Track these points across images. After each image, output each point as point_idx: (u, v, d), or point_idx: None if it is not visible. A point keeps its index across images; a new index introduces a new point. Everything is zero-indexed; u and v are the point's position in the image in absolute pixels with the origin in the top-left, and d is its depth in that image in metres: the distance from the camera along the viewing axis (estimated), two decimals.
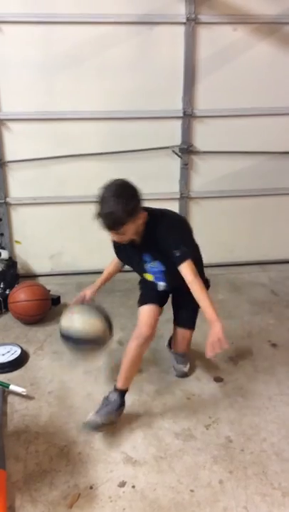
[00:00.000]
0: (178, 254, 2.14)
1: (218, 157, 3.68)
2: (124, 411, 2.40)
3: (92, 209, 3.75)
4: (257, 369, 2.78)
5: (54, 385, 2.65)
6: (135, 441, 2.28)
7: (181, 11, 3.25)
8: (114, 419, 2.30)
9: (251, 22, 3.34)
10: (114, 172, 3.62)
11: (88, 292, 2.63)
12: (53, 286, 3.57)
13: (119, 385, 2.36)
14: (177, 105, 3.49)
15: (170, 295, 2.56)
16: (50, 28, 3.24)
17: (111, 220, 2.08)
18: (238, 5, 3.29)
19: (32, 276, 3.85)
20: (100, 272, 3.81)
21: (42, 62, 3.32)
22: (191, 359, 2.78)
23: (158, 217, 2.24)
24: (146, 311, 2.38)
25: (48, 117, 3.44)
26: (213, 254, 3.97)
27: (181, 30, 3.29)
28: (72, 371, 2.76)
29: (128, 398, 2.46)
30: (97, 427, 2.25)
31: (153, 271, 2.32)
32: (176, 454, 2.22)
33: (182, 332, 2.61)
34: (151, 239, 2.20)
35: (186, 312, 2.55)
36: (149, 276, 2.36)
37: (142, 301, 2.44)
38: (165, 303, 2.55)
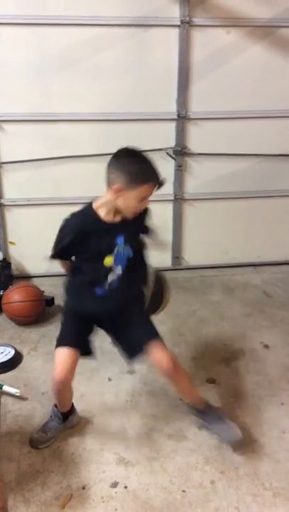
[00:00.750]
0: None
1: (212, 159, 3.70)
2: (117, 412, 2.42)
3: None
4: (249, 370, 2.80)
5: (48, 385, 2.65)
6: (128, 442, 2.29)
7: (175, 13, 3.26)
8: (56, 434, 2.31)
9: (245, 25, 3.35)
10: None
11: None
12: (48, 287, 3.57)
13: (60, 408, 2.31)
14: (171, 107, 3.51)
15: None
16: (44, 29, 3.25)
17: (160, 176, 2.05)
18: (232, 8, 3.30)
19: (26, 277, 3.86)
20: None
21: (37, 64, 3.33)
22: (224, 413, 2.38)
23: None
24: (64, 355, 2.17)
25: (42, 118, 3.44)
26: (207, 255, 4.00)
27: (175, 32, 3.31)
28: None
29: (120, 399, 2.48)
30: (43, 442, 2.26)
31: (118, 255, 2.13)
32: (168, 454, 2.24)
33: (155, 353, 2.11)
34: (134, 220, 2.13)
35: (141, 326, 2.22)
36: (109, 260, 2.11)
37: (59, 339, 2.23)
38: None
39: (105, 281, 2.14)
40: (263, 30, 3.40)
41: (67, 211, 3.69)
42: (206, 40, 3.38)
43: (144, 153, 2.06)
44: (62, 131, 3.51)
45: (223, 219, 3.94)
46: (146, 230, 2.25)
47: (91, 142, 3.53)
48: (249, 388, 2.66)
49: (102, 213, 2.09)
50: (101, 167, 3.84)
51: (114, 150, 3.84)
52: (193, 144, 3.65)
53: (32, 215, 3.73)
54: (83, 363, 2.83)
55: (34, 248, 3.81)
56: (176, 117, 3.52)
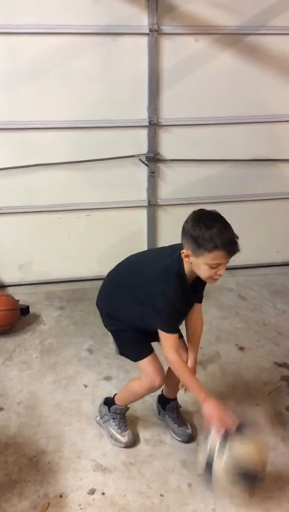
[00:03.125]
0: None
1: (184, 165, 3.74)
2: (94, 418, 2.43)
3: (62, 218, 3.80)
4: (225, 373, 2.82)
5: (23, 395, 2.64)
6: (105, 449, 2.29)
7: (144, 22, 3.30)
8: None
9: (212, 33, 3.41)
10: (82, 181, 3.68)
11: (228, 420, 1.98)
12: (22, 296, 3.55)
13: (125, 405, 2.35)
14: (143, 114, 3.53)
15: None
16: (14, 38, 3.25)
17: (237, 245, 1.88)
18: (200, 16, 3.36)
19: (0, 286, 3.82)
20: (69, 281, 3.85)
21: (6, 72, 3.32)
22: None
23: None
24: (153, 361, 2.17)
25: (13, 127, 3.43)
26: None
27: (144, 40, 3.34)
28: (41, 381, 2.75)
29: (97, 406, 2.48)
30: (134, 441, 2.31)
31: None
32: (145, 459, 2.24)
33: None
34: (197, 282, 2.06)
35: None
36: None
37: (140, 354, 2.18)
38: None
39: None
40: (231, 38, 3.46)
41: (40, 219, 3.72)
42: (175, 48, 3.42)
43: (215, 217, 1.89)
44: (34, 139, 3.50)
45: None
46: (198, 298, 2.18)
47: (63, 150, 3.54)
48: (225, 390, 2.68)
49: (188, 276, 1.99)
50: (73, 175, 3.90)
51: (86, 157, 3.92)
52: (166, 151, 3.69)
53: (5, 224, 3.71)
54: (60, 370, 2.84)
55: (7, 257, 3.79)
56: (147, 124, 3.55)
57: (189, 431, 2.37)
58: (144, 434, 2.38)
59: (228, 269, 4.08)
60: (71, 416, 2.49)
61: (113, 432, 2.30)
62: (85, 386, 2.71)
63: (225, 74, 3.54)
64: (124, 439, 2.29)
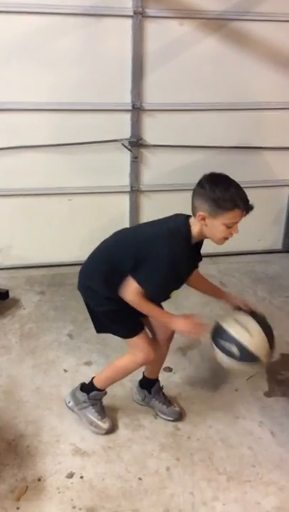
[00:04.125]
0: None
1: (167, 151, 3.72)
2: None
3: (43, 202, 3.76)
4: (204, 358, 2.84)
5: (2, 379, 2.63)
6: (84, 433, 2.29)
7: (128, 4, 3.25)
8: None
9: (197, 17, 3.37)
10: (64, 164, 3.63)
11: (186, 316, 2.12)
12: (2, 281, 3.52)
13: (105, 387, 2.34)
14: (126, 98, 3.50)
15: None
16: None
17: (252, 204, 2.00)
18: (185, 0, 3.32)
19: None
20: (50, 266, 3.82)
21: None
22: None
23: None
24: (145, 335, 2.18)
25: None
26: None
27: (128, 23, 3.29)
28: (20, 365, 2.74)
29: None
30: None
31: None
32: (124, 443, 2.25)
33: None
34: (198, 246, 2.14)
35: None
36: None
37: (134, 331, 2.17)
38: None
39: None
40: (216, 23, 3.43)
41: (21, 203, 3.67)
42: (160, 32, 3.38)
43: (228, 179, 1.97)
44: (15, 120, 3.44)
45: (180, 210, 3.93)
46: (200, 259, 2.22)
47: (44, 132, 3.49)
48: (204, 376, 2.70)
49: (193, 240, 2.03)
50: (55, 158, 3.84)
51: (68, 141, 3.87)
52: (149, 136, 3.66)
53: None
54: (39, 355, 2.83)
55: None
56: (130, 108, 3.52)
57: (178, 409, 2.41)
58: (123, 418, 2.39)
59: (209, 256, 4.14)
60: (51, 400, 2.49)
61: (93, 418, 2.29)
62: (65, 371, 2.71)
63: (209, 59, 3.52)
64: (105, 425, 2.28)
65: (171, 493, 2.02)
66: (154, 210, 3.90)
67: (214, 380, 2.67)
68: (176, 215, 2.09)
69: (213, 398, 2.53)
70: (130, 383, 2.55)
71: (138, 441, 2.26)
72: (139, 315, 2.11)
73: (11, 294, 3.39)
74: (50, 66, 3.33)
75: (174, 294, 2.11)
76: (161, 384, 2.46)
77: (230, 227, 1.95)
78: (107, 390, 2.33)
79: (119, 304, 2.07)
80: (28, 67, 3.31)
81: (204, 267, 3.84)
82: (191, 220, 2.01)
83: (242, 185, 4.22)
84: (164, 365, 2.72)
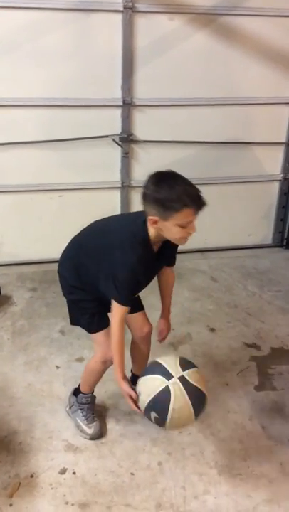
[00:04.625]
0: (174, 255, 2.18)
1: (158, 146, 3.72)
2: (65, 399, 2.43)
3: (33, 198, 3.75)
4: (196, 353, 2.86)
5: None
6: (76, 429, 2.30)
7: None
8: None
9: (187, 12, 3.37)
10: (54, 160, 3.62)
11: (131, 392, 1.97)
12: None
13: (88, 391, 2.32)
14: (116, 94, 3.49)
15: None
16: None
17: (204, 200, 1.84)
18: None
19: None
20: (41, 262, 3.81)
21: None
22: None
23: None
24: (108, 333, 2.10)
25: None
26: None
27: (118, 18, 3.28)
28: (12, 362, 2.74)
29: (69, 385, 2.49)
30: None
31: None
32: (116, 439, 2.27)
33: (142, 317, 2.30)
34: (164, 246, 2.03)
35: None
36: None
37: (98, 325, 2.15)
38: None
39: None
40: (206, 18, 3.43)
41: (11, 199, 3.66)
42: (150, 27, 3.37)
43: (174, 176, 1.83)
44: (4, 116, 3.42)
45: None
46: (171, 262, 2.19)
47: (34, 128, 3.48)
48: None
49: (153, 243, 1.94)
50: (45, 154, 3.82)
51: (59, 137, 3.84)
52: (140, 131, 3.66)
53: None
54: (31, 351, 2.84)
55: None
56: (121, 104, 3.51)
57: None
58: (114, 414, 2.41)
59: (200, 251, 4.15)
60: (43, 397, 2.50)
61: (80, 422, 2.28)
62: (57, 367, 2.72)
63: (199, 54, 3.52)
64: (90, 430, 2.26)
65: (163, 487, 2.04)
66: None
67: (205, 374, 2.66)
68: (139, 215, 1.93)
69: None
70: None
71: (130, 436, 2.28)
72: (106, 310, 2.07)
73: (2, 291, 3.38)
74: (40, 62, 3.31)
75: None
76: None
77: (185, 227, 1.82)
78: (96, 387, 2.33)
79: (87, 295, 2.09)
80: (17, 63, 3.29)
81: (195, 262, 3.94)
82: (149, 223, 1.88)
83: (232, 181, 4.27)
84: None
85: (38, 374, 2.66)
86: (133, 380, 2.42)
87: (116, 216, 2.32)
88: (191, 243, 4.00)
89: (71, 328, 3.02)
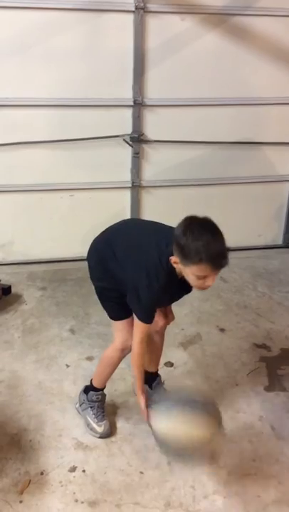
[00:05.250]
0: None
1: (168, 146, 3.73)
2: (75, 397, 2.44)
3: (44, 197, 3.77)
4: (205, 353, 2.86)
5: (5, 374, 2.65)
6: (86, 427, 2.31)
7: None
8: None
9: (199, 12, 3.38)
10: (65, 160, 3.64)
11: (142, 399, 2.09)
12: (4, 276, 3.54)
13: (101, 386, 2.34)
14: (127, 94, 3.50)
15: None
16: None
17: (226, 259, 1.77)
18: None
19: None
20: (52, 261, 3.84)
21: None
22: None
23: None
24: (129, 323, 2.14)
25: None
26: None
27: (129, 18, 3.30)
28: (23, 360, 2.76)
29: (79, 384, 2.50)
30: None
31: None
32: (126, 437, 2.27)
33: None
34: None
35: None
36: None
37: (119, 315, 2.18)
38: None
39: None
40: (217, 18, 3.44)
41: (22, 199, 3.68)
42: (161, 27, 3.38)
43: (205, 226, 1.76)
44: (16, 116, 3.45)
45: (181, 205, 3.96)
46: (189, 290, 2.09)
47: (46, 128, 3.50)
48: (205, 371, 2.72)
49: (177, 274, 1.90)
50: (56, 154, 3.84)
51: (69, 137, 3.86)
52: (150, 131, 3.67)
53: None
54: (41, 349, 2.85)
55: None
56: (132, 104, 3.53)
57: None
58: (124, 412, 2.41)
59: None
60: (53, 395, 2.51)
61: (90, 420, 2.29)
62: (67, 366, 2.73)
63: (210, 54, 3.52)
64: (100, 429, 2.26)
65: (172, 486, 2.04)
66: (155, 205, 3.92)
67: (215, 375, 2.69)
68: (169, 235, 1.87)
69: (214, 393, 2.55)
70: (132, 378, 2.57)
71: (139, 435, 2.28)
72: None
73: (13, 290, 3.41)
74: (51, 62, 3.34)
75: None
76: (163, 379, 2.48)
77: (200, 278, 1.77)
78: (107, 386, 2.34)
79: (111, 286, 2.11)
80: (28, 63, 3.32)
81: None
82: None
83: (242, 181, 4.27)
84: (165, 360, 2.76)
85: (48, 372, 2.67)
86: (148, 382, 2.39)
87: (151, 225, 2.21)
88: None
89: (81, 326, 3.06)
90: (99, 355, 2.78)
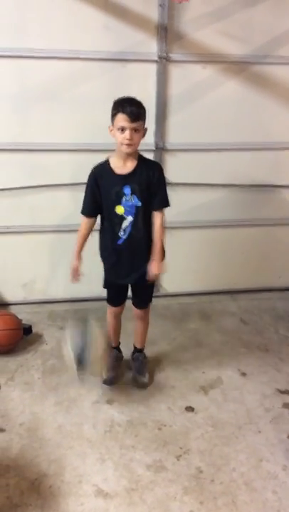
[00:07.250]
0: (163, 198, 2.61)
1: (188, 189, 3.78)
2: (96, 443, 2.41)
3: (64, 238, 3.82)
4: (227, 398, 2.82)
5: (25, 416, 2.64)
6: (106, 474, 2.28)
7: (153, 49, 3.37)
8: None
9: (220, 61, 3.48)
10: None
11: (76, 263, 2.82)
12: (26, 315, 3.56)
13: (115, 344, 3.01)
14: (149, 139, 3.58)
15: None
16: (25, 62, 3.30)
17: (137, 109, 2.41)
18: (208, 44, 3.43)
19: (4, 304, 3.83)
20: (73, 301, 3.86)
21: (17, 95, 3.37)
22: (151, 370, 3.01)
23: (152, 160, 2.81)
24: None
25: (21, 148, 3.47)
26: (185, 282, 4.04)
27: (153, 67, 3.41)
28: (43, 402, 2.75)
29: (99, 429, 2.48)
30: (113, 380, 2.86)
31: (127, 204, 2.54)
32: (147, 485, 2.23)
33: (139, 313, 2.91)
34: (141, 172, 2.53)
35: (144, 291, 2.87)
36: (120, 209, 2.56)
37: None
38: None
39: (120, 229, 2.57)
40: (238, 66, 3.53)
41: (45, 239, 3.74)
42: (183, 75, 3.48)
43: (129, 98, 2.48)
44: (41, 160, 3.54)
45: (200, 247, 4.00)
46: (156, 184, 2.55)
47: (69, 172, 3.58)
48: (227, 416, 2.68)
49: (113, 164, 2.55)
50: (79, 196, 3.89)
51: None
52: (171, 174, 3.71)
53: (10, 243, 3.73)
54: (62, 391, 2.84)
55: (11, 276, 3.81)
56: (154, 148, 3.60)
57: (145, 379, 2.88)
58: (145, 459, 2.38)
59: (229, 292, 4.13)
60: (72, 439, 2.49)
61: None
62: (87, 409, 2.71)
63: (231, 101, 3.61)
64: (105, 375, 2.78)
65: None
66: (175, 246, 3.92)
67: (237, 421, 2.64)
68: None
69: (236, 440, 2.51)
70: (152, 423, 2.54)
71: (161, 483, 2.25)
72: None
73: (34, 329, 3.42)
74: (77, 108, 3.44)
75: (120, 210, 2.55)
76: (146, 356, 2.99)
77: (122, 132, 2.41)
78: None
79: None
80: (55, 110, 3.43)
81: (224, 304, 3.93)
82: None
83: (261, 223, 4.29)
84: (186, 404, 2.74)
85: (68, 415, 2.66)
86: (133, 352, 3.04)
87: None
88: (220, 284, 4.06)
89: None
90: (119, 399, 2.77)
